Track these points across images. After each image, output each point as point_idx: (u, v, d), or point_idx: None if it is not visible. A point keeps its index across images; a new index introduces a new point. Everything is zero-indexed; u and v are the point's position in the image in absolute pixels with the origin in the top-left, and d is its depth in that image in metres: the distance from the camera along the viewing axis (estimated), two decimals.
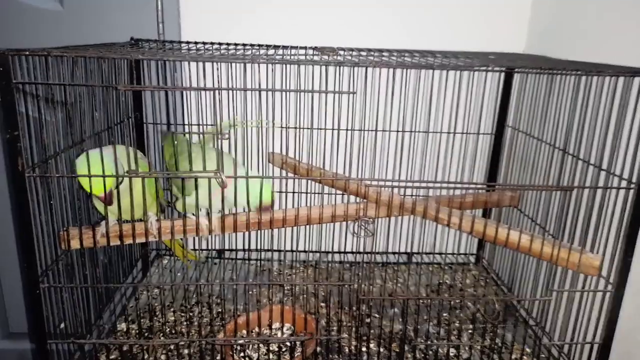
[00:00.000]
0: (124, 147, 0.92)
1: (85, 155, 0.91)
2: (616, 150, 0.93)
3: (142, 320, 1.21)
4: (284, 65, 0.88)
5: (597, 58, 1.10)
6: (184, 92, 1.42)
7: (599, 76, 0.91)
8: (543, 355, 1.14)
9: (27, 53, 0.80)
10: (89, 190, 0.91)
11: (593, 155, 0.98)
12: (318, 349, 1.12)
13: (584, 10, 1.24)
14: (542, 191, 1.16)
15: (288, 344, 1.10)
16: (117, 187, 0.93)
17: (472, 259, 1.58)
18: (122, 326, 1.19)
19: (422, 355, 1.13)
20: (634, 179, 0.91)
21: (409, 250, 1.51)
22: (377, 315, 1.24)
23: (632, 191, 0.91)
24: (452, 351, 1.14)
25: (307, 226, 1.13)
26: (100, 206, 1.01)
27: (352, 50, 1.20)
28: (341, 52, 1.11)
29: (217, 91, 0.85)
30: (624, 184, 0.93)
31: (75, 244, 0.99)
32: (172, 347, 1.10)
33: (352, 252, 1.47)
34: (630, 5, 1.08)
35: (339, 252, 1.47)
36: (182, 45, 1.25)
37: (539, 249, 0.99)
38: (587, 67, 0.92)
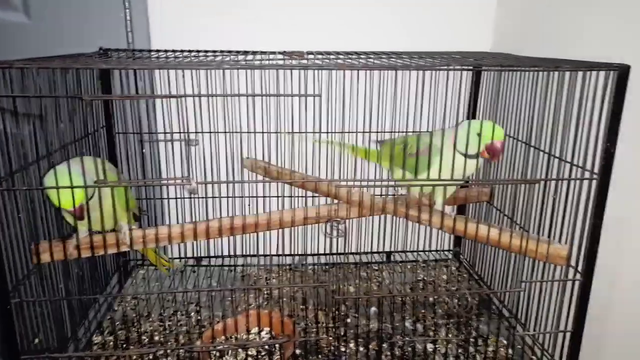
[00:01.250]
0: (92, 158, 0.92)
1: (52, 171, 0.90)
2: (579, 143, 0.95)
3: (119, 332, 1.20)
4: (250, 71, 0.88)
5: (562, 54, 1.13)
6: (156, 101, 1.42)
7: (557, 71, 0.93)
8: (519, 346, 1.16)
9: None
10: (57, 205, 0.91)
11: (558, 148, 1.00)
12: (297, 351, 1.13)
13: (549, 8, 1.27)
14: (510, 185, 1.18)
15: (267, 347, 1.11)
16: (87, 201, 0.93)
17: (451, 255, 1.60)
18: (99, 339, 1.18)
19: (401, 352, 1.14)
20: (596, 170, 0.93)
21: (388, 250, 1.52)
22: (356, 315, 1.25)
23: (594, 182, 0.94)
24: (430, 346, 1.16)
25: (285, 230, 1.14)
26: (70, 218, 1.00)
27: (321, 53, 1.21)
28: (310, 56, 1.13)
29: (183, 98, 0.86)
30: (587, 175, 0.95)
31: (45, 258, 0.98)
32: (150, 357, 1.09)
33: (330, 254, 1.48)
34: (591, 2, 1.11)
35: (316, 255, 1.48)
36: (152, 53, 1.24)
37: (508, 241, 1.01)
38: (547, 63, 0.95)
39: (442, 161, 0.97)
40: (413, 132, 1.30)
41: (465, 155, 1.00)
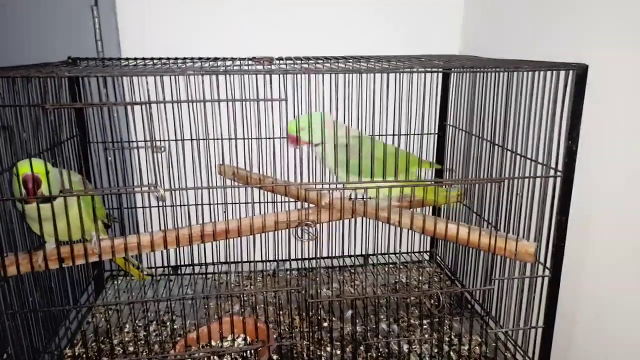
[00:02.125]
0: (57, 169, 0.91)
1: None
2: (542, 141, 0.97)
3: (92, 344, 1.19)
4: (216, 76, 0.89)
5: (528, 56, 1.15)
6: (127, 109, 1.41)
7: (517, 71, 0.95)
8: (493, 344, 1.17)
9: None
10: (21, 170, 0.90)
11: (523, 147, 1.02)
12: (274, 356, 1.12)
13: (515, 11, 1.30)
14: (480, 185, 1.20)
15: (242, 354, 1.10)
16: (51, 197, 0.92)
17: (427, 256, 1.62)
18: (71, 351, 1.16)
19: (377, 353, 1.14)
20: (560, 167, 0.95)
21: (364, 252, 1.53)
22: (333, 319, 1.26)
23: (558, 179, 0.96)
24: (406, 347, 1.16)
25: (260, 236, 1.14)
26: (37, 229, 0.99)
27: (290, 59, 1.22)
28: (279, 62, 1.13)
29: (148, 105, 0.85)
30: (551, 172, 0.97)
31: (12, 271, 0.96)
32: None
33: (306, 259, 1.48)
34: (557, 5, 1.13)
35: (291, 260, 1.48)
36: (122, 62, 1.24)
37: (477, 240, 1.02)
38: (507, 64, 0.97)
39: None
40: (379, 135, 1.31)
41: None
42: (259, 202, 1.37)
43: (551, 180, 0.97)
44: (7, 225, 0.98)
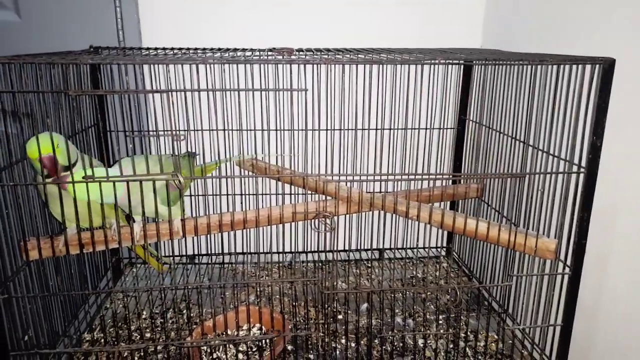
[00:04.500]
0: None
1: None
2: (566, 137, 0.96)
3: (110, 329, 1.21)
4: (237, 66, 0.88)
5: (551, 51, 1.13)
6: (147, 98, 1.42)
7: (542, 65, 0.93)
8: (509, 340, 1.16)
9: None
10: (30, 155, 0.90)
11: (546, 142, 1.01)
12: (288, 347, 1.13)
13: (537, 5, 1.27)
14: (499, 180, 1.18)
15: (257, 343, 1.11)
16: (69, 167, 0.93)
17: (444, 252, 1.61)
18: (90, 336, 1.18)
19: (392, 347, 1.14)
20: (583, 164, 0.94)
21: (380, 247, 1.53)
22: (349, 311, 1.26)
23: (581, 175, 0.94)
24: (421, 342, 1.16)
25: (278, 227, 1.14)
26: (58, 215, 1.00)
27: (311, 50, 1.22)
28: (300, 53, 1.13)
29: (170, 93, 0.86)
30: (574, 168, 0.95)
31: (34, 255, 0.98)
32: (141, 353, 1.10)
33: (322, 251, 1.48)
34: None
35: (307, 252, 1.48)
36: (142, 51, 1.25)
37: (497, 235, 1.01)
38: (532, 58, 0.95)
39: None
40: (403, 129, 1.30)
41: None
42: (276, 194, 1.37)
43: (574, 176, 0.95)
44: (29, 210, 1.00)
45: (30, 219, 1.00)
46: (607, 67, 0.88)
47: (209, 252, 1.44)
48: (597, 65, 0.88)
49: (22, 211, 0.93)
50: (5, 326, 0.92)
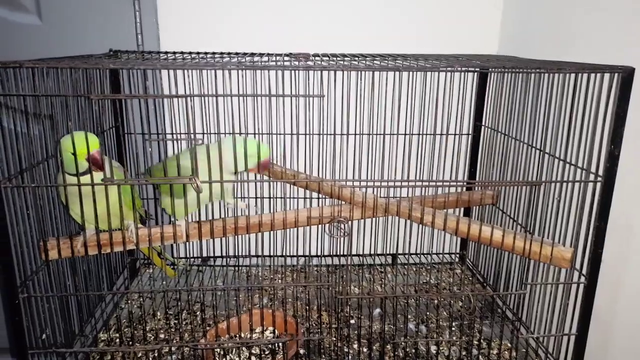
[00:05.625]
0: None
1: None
2: (583, 145, 0.95)
3: (125, 329, 1.22)
4: (254, 71, 0.90)
5: (568, 58, 1.12)
6: (165, 101, 1.44)
7: (560, 73, 0.93)
8: (523, 349, 1.15)
9: None
10: (72, 152, 0.92)
11: (563, 150, 1.00)
12: (301, 350, 1.13)
13: (554, 12, 1.27)
14: (514, 188, 1.18)
15: (270, 346, 1.11)
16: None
17: (457, 258, 1.60)
18: (105, 336, 1.19)
19: (404, 353, 1.14)
20: (600, 172, 0.93)
21: (394, 252, 1.52)
22: (361, 316, 1.26)
23: (599, 184, 0.93)
24: (434, 348, 1.16)
25: (291, 231, 1.15)
26: (77, 216, 1.02)
27: (327, 56, 1.22)
28: (317, 58, 1.13)
29: (189, 98, 0.87)
30: (591, 177, 0.95)
31: (53, 255, 1.00)
32: (155, 354, 1.11)
33: (335, 256, 1.48)
34: (597, 5, 1.11)
35: (320, 256, 1.48)
36: (161, 55, 1.26)
37: (512, 243, 1.01)
38: (550, 65, 0.95)
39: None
40: (413, 134, 1.30)
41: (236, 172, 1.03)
42: (290, 198, 1.38)
43: (591, 185, 0.94)
44: (49, 211, 1.01)
45: (50, 220, 1.02)
46: (627, 75, 0.87)
47: (223, 254, 1.45)
48: (616, 74, 0.88)
49: (42, 212, 0.95)
50: (24, 325, 0.94)
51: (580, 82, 0.94)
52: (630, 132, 0.90)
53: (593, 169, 0.94)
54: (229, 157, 0.94)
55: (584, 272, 0.98)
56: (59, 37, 1.47)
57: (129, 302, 1.35)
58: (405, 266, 1.51)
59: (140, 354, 1.12)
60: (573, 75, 0.94)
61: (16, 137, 0.91)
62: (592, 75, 0.91)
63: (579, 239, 0.98)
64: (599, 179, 0.93)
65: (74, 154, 0.92)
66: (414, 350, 1.15)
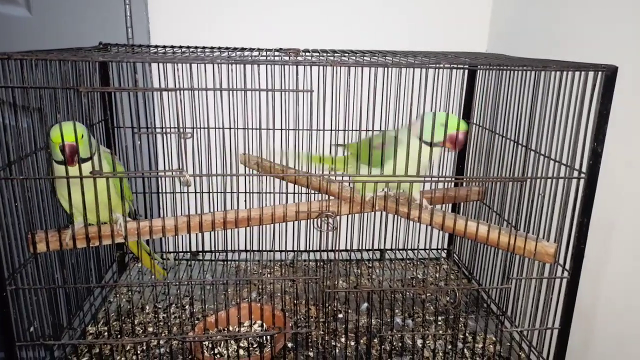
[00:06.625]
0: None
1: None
2: (567, 142, 0.97)
3: (114, 323, 1.22)
4: (244, 66, 0.90)
5: (556, 56, 1.14)
6: (154, 95, 1.44)
7: (545, 71, 0.94)
8: (507, 343, 1.17)
9: None
10: (54, 141, 0.93)
11: (548, 147, 1.02)
12: (289, 344, 1.14)
13: (543, 10, 1.28)
14: (501, 184, 1.19)
15: (258, 339, 1.12)
16: (91, 157, 0.95)
17: (444, 253, 1.62)
18: (94, 329, 1.20)
19: (391, 347, 1.15)
20: (584, 169, 0.95)
21: (382, 247, 1.54)
22: (349, 310, 1.27)
23: (582, 181, 0.95)
24: (420, 342, 1.17)
25: (280, 225, 1.15)
26: (65, 201, 1.02)
27: (317, 51, 1.23)
28: (307, 53, 1.14)
29: (178, 92, 0.87)
30: (575, 174, 0.96)
31: (42, 247, 1.00)
32: (144, 347, 1.11)
33: (323, 251, 1.49)
34: (586, 4, 1.12)
35: (309, 251, 1.49)
36: (151, 49, 1.26)
37: (497, 238, 1.02)
38: (536, 64, 0.96)
39: (409, 149, 1.00)
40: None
41: (431, 144, 1.06)
42: (280, 193, 1.38)
43: (574, 181, 0.96)
44: (38, 203, 1.01)
45: (38, 212, 1.02)
46: (610, 74, 0.89)
47: (213, 249, 1.46)
48: (600, 73, 0.89)
49: (30, 204, 0.95)
50: (12, 317, 0.94)
51: (565, 80, 0.95)
52: (612, 129, 0.92)
53: (577, 166, 0.96)
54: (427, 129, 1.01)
55: (567, 267, 1.00)
56: (48, 30, 1.46)
57: (118, 295, 1.35)
58: (393, 261, 1.53)
59: (128, 347, 1.12)
60: (558, 73, 0.96)
61: (4, 129, 0.91)
62: (577, 73, 0.93)
63: (563, 234, 1.00)
64: (582, 175, 0.95)
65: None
66: (400, 344, 1.16)
